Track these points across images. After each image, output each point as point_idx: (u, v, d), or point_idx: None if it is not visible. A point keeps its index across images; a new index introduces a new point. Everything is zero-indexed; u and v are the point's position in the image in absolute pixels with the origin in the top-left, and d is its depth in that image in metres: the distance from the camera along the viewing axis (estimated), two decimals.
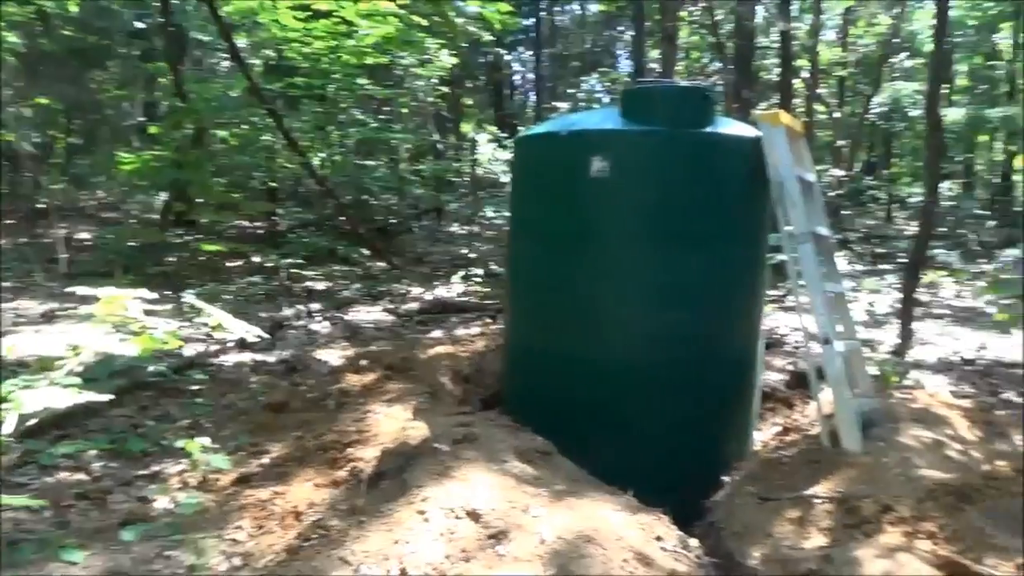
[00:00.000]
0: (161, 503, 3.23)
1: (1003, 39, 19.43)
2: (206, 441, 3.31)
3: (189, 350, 5.97)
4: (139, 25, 12.48)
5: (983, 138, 20.34)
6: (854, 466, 3.24)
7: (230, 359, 6.00)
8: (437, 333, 7.24)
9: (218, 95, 9.46)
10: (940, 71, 8.20)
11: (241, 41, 10.68)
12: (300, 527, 2.77)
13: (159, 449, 3.89)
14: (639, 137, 3.76)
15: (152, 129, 9.99)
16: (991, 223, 16.67)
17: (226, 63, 12.65)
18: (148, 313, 2.64)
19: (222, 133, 10.14)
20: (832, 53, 18.86)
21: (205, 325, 6.29)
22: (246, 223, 12.31)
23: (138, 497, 3.36)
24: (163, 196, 11.72)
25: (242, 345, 6.25)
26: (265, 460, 3.51)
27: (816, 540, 2.83)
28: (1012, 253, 10.14)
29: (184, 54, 12.41)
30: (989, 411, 4.60)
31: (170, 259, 9.60)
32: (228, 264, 10.22)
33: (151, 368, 4.99)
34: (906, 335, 7.13)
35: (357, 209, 11.88)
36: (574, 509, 2.70)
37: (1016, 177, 19.85)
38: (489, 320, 7.86)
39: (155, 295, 2.90)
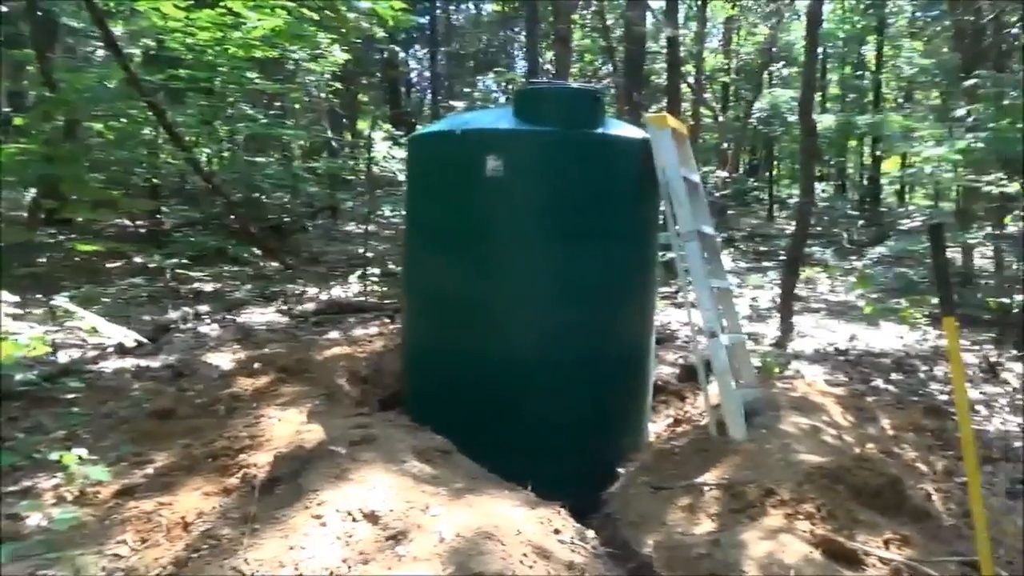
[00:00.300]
0: (34, 520, 3.02)
1: (869, 51, 20.86)
2: (83, 452, 3.13)
3: (63, 356, 5.61)
4: (2, 8, 11.59)
5: (853, 143, 21.76)
6: (739, 453, 3.40)
7: (110, 365, 5.68)
8: (334, 334, 7.10)
9: (92, 85, 8.90)
10: (813, 80, 8.70)
11: (117, 29, 10.08)
12: (188, 538, 2.65)
13: (31, 463, 3.63)
14: (531, 137, 3.82)
15: (17, 120, 9.30)
16: (861, 222, 17.88)
17: (101, 52, 11.94)
18: (14, 318, 2.47)
19: (98, 126, 9.55)
20: (717, 60, 19.72)
21: (81, 330, 5.94)
22: (127, 222, 11.66)
23: (8, 515, 3.12)
24: (32, 192, 10.93)
25: (123, 350, 5.92)
26: (149, 470, 3.34)
27: (706, 525, 2.95)
28: (879, 251, 10.91)
29: (54, 41, 11.60)
30: (860, 397, 4.94)
31: (41, 260, 8.96)
32: (107, 265, 9.66)
33: (19, 377, 4.65)
34: (786, 328, 7.55)
35: (248, 207, 11.47)
36: (473, 507, 2.71)
37: (883, 180, 21.35)
38: (387, 320, 7.77)
39: (18, 298, 2.71)
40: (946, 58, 15.80)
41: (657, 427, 4.59)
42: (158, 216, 11.22)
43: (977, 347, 7.52)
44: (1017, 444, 5.14)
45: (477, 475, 3.19)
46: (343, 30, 9.84)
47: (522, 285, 3.85)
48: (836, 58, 22.89)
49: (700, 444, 3.63)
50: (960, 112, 7.48)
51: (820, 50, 17.66)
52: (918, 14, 18.68)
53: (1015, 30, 10.29)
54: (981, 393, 6.21)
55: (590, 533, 2.92)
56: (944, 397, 5.95)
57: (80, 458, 3.07)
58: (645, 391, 4.32)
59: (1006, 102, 6.76)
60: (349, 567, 2.34)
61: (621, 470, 3.80)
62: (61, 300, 3.80)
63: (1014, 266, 7.60)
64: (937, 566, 2.68)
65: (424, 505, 2.65)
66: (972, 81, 7.87)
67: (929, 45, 18.43)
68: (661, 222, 4.23)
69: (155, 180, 11.18)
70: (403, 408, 4.30)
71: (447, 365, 3.98)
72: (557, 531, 2.73)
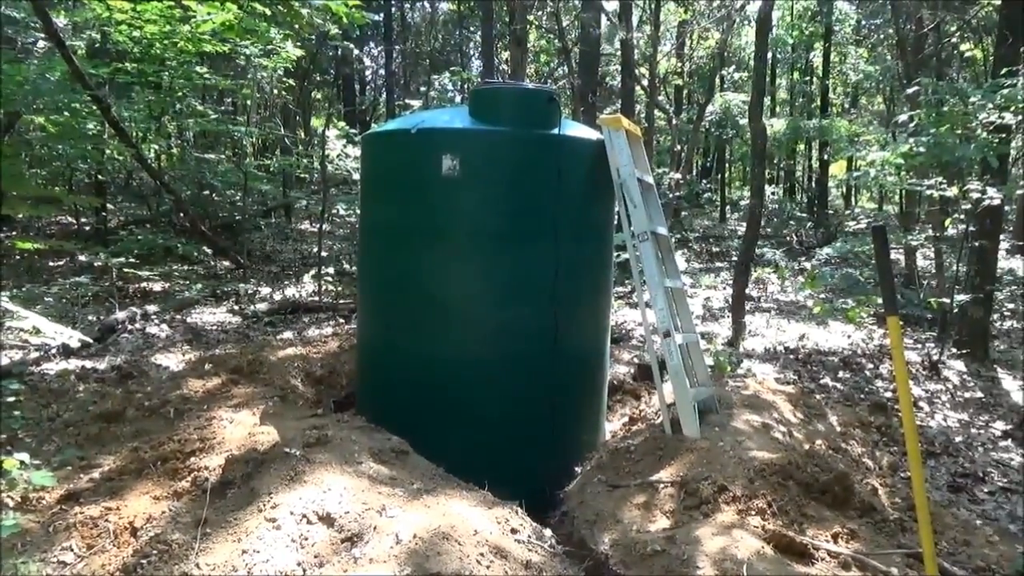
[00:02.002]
0: None
1: (817, 57, 21.37)
2: (25, 457, 3.03)
3: (3, 358, 5.42)
4: None
5: (801, 146, 22.26)
6: (693, 451, 3.45)
7: (53, 367, 5.50)
8: (287, 334, 7.00)
9: (33, 78, 8.61)
10: (763, 84, 8.87)
11: (60, 20, 9.77)
12: (137, 544, 2.58)
13: None
14: (487, 136, 3.82)
15: None
16: (809, 224, 18.30)
17: (43, 43, 11.57)
18: None
19: (39, 119, 9.24)
20: (670, 63, 19.96)
21: (23, 331, 5.75)
22: (71, 219, 11.33)
23: None
24: None
25: (67, 352, 5.75)
26: (96, 474, 3.25)
27: (661, 522, 2.99)
28: (827, 252, 11.18)
29: None
30: (809, 395, 5.05)
31: None
32: (49, 263, 9.37)
33: None
34: (738, 328, 7.69)
35: (198, 205, 11.22)
36: (430, 507, 2.70)
37: (830, 183, 21.87)
38: (342, 320, 7.69)
39: None
40: (889, 65, 16.28)
41: (613, 426, 4.63)
42: (103, 213, 10.92)
43: (920, 345, 7.77)
44: (958, 439, 5.32)
45: (434, 475, 3.18)
46: (296, 26, 9.68)
47: (477, 284, 3.85)
48: (785, 63, 23.40)
49: (655, 442, 3.67)
50: (902, 118, 7.70)
51: (770, 55, 18.03)
52: (863, 22, 19.21)
53: (954, 39, 10.65)
54: (924, 390, 6.42)
55: (547, 532, 2.93)
56: (889, 394, 6.13)
57: (22, 463, 2.97)
58: (601, 390, 4.36)
59: (945, 108, 6.98)
60: (304, 570, 2.31)
61: (578, 468, 3.83)
62: (2, 299, 3.65)
63: (954, 267, 7.85)
64: (883, 559, 2.76)
65: (380, 506, 2.63)
66: (914, 88, 8.12)
67: (873, 52, 18.97)
68: (616, 223, 4.27)
69: (100, 176, 10.87)
70: (358, 409, 4.27)
71: (402, 364, 3.96)
72: (514, 530, 2.74)
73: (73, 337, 2.69)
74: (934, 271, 9.74)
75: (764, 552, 2.64)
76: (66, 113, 8.71)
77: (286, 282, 9.83)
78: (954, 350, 7.37)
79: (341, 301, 8.49)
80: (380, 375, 4.18)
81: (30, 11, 8.78)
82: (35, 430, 4.06)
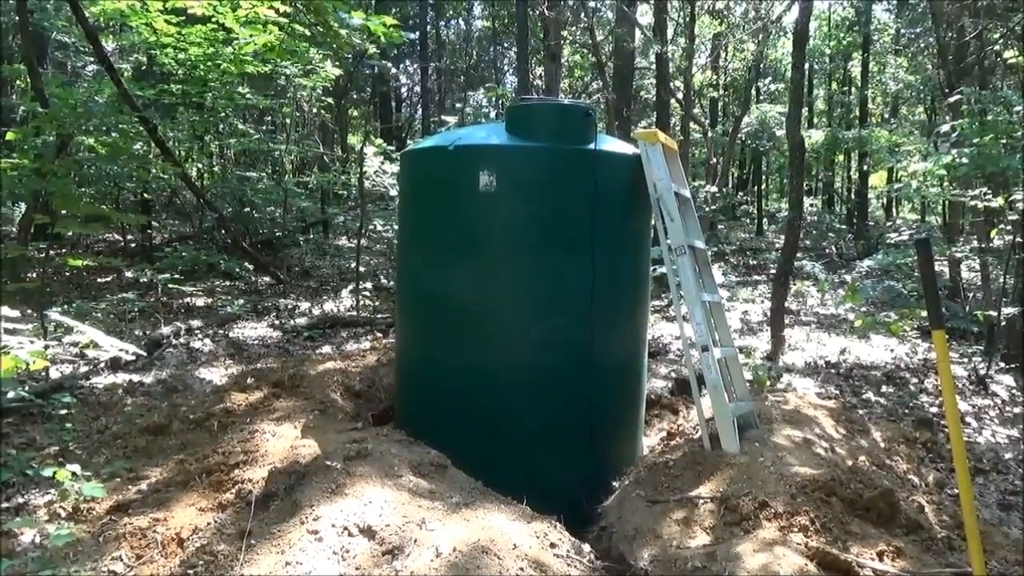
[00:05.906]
0: (28, 536, 3.01)
1: (855, 67, 21.10)
2: (76, 468, 3.12)
3: (55, 372, 5.58)
4: None
5: (840, 158, 21.95)
6: (733, 466, 3.42)
7: (102, 381, 5.65)
8: (326, 349, 7.09)
9: (83, 100, 8.91)
10: (800, 95, 8.80)
11: (108, 44, 10.11)
12: (184, 554, 2.64)
13: (24, 479, 3.61)
14: (524, 152, 3.85)
15: (9, 135, 9.29)
16: (849, 236, 18.01)
17: (92, 67, 11.95)
18: (10, 332, 2.47)
19: (89, 141, 9.55)
20: (705, 76, 19.88)
21: (74, 345, 5.91)
22: (118, 236, 11.64)
23: (1, 531, 3.10)
24: (21, 207, 10.89)
25: (115, 366, 5.91)
26: (143, 486, 3.33)
27: (701, 539, 2.97)
28: (868, 264, 10.99)
29: (44, 55, 11.61)
30: (851, 410, 4.97)
31: (31, 275, 8.93)
32: (98, 280, 9.63)
33: (11, 394, 4.62)
34: (777, 341, 7.59)
35: (239, 222, 11.46)
36: (470, 521, 2.71)
37: (870, 194, 21.51)
38: (380, 334, 7.77)
39: (18, 313, 2.71)
40: (930, 74, 16.01)
41: (651, 440, 4.61)
42: (149, 231, 11.20)
43: (966, 359, 7.58)
44: (1007, 456, 5.18)
45: (472, 489, 3.19)
46: (335, 46, 9.87)
47: (514, 298, 3.87)
48: (822, 74, 23.15)
49: (694, 457, 3.64)
50: (945, 128, 7.56)
51: (807, 66, 17.84)
52: (903, 31, 18.93)
53: (997, 47, 10.45)
54: (971, 405, 6.26)
55: (586, 547, 2.93)
56: (935, 410, 5.99)
57: (74, 474, 3.06)
58: (639, 404, 4.34)
59: (989, 118, 6.84)
60: None
61: (616, 483, 3.81)
62: (55, 314, 3.77)
63: (1000, 279, 7.67)
64: None
65: (420, 520, 2.66)
66: (955, 97, 7.97)
67: (913, 61, 18.66)
68: (652, 236, 4.27)
69: (146, 195, 11.17)
70: (397, 422, 4.31)
71: (440, 378, 3.99)
72: (553, 545, 2.74)
73: (127, 350, 2.77)
74: (980, 283, 9.52)
75: (807, 569, 2.60)
76: (114, 134, 8.97)
77: (325, 297, 9.97)
78: (1002, 364, 7.19)
79: (379, 315, 8.58)
80: (418, 388, 4.22)
81: (81, 36, 9.10)
82: (85, 442, 4.18)
